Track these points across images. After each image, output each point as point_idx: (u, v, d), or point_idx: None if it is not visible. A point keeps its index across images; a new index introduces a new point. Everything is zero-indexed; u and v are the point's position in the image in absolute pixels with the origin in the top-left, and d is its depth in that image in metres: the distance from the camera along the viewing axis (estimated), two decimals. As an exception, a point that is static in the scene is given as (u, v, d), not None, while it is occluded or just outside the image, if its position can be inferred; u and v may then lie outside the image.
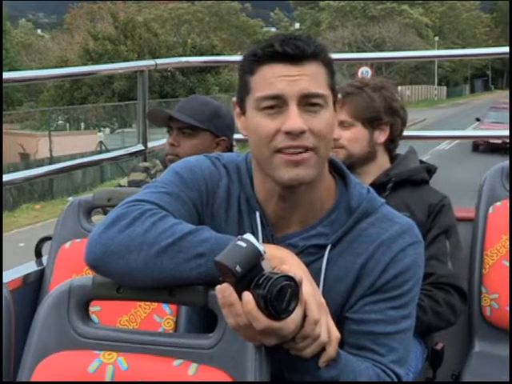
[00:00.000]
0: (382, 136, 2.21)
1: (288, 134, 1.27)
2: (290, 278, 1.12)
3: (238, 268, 1.10)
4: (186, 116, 2.42)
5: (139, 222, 1.25)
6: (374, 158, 2.22)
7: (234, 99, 1.39)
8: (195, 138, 2.43)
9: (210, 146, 2.40)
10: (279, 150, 1.28)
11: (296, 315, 1.14)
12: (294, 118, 1.26)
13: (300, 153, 1.28)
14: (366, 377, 1.26)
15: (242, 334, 1.16)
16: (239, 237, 1.14)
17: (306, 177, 1.29)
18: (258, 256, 1.12)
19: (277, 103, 1.28)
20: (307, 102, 1.28)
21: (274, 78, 1.28)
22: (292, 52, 1.27)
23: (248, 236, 1.13)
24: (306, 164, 1.28)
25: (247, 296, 1.11)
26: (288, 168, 1.29)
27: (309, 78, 1.28)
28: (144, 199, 1.32)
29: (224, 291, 1.12)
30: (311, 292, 1.18)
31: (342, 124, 2.18)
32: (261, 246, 1.13)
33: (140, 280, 1.23)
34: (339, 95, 1.37)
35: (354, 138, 2.19)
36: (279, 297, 1.10)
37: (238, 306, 1.12)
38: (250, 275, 1.11)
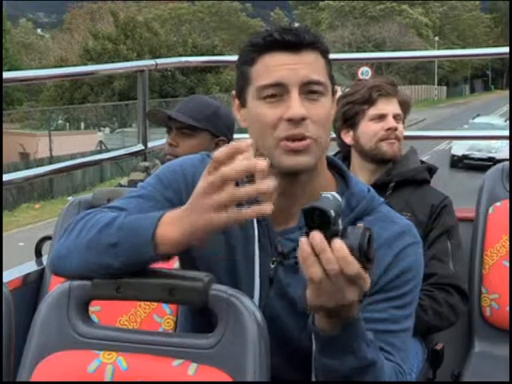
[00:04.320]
0: None
1: (290, 121, 1.28)
2: (367, 227, 1.12)
3: (332, 212, 1.09)
4: (184, 116, 2.42)
5: (78, 224, 1.31)
6: None
7: (233, 92, 1.40)
8: (194, 138, 2.43)
9: (209, 147, 2.40)
10: (282, 139, 1.30)
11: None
12: (296, 105, 1.28)
13: (300, 140, 1.29)
14: (388, 369, 1.25)
15: (327, 286, 1.11)
16: (322, 192, 1.14)
17: (305, 164, 1.31)
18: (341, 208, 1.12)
19: (278, 91, 1.29)
20: (308, 90, 1.29)
21: (275, 67, 1.29)
22: (291, 40, 1.29)
23: (331, 192, 1.14)
24: (306, 151, 1.30)
25: (337, 242, 1.09)
26: (289, 156, 1.30)
27: (309, 65, 1.30)
28: (109, 206, 1.38)
29: (314, 238, 1.09)
30: None
31: (395, 117, 2.20)
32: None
33: (87, 274, 1.27)
34: (336, 86, 1.38)
35: (403, 132, 2.23)
36: (369, 245, 1.10)
37: (329, 251, 1.09)
38: (335, 225, 1.10)
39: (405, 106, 2.23)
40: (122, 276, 1.25)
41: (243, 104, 1.36)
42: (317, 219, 1.10)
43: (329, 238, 1.10)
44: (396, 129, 2.18)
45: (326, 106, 1.32)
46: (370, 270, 1.11)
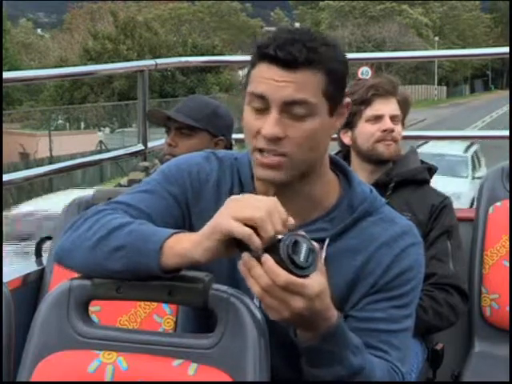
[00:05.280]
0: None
1: (264, 137, 1.28)
2: (303, 236, 1.14)
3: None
4: (183, 116, 2.41)
5: (88, 221, 1.31)
6: None
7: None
8: (193, 138, 2.42)
9: (208, 146, 2.39)
10: (256, 149, 1.30)
11: (319, 276, 1.15)
12: (271, 125, 1.26)
13: (274, 155, 1.28)
14: (379, 370, 1.26)
15: (269, 300, 1.14)
16: None
17: (276, 179, 1.31)
18: None
19: (262, 104, 1.28)
20: (290, 110, 1.27)
21: (264, 79, 1.28)
22: (283, 58, 1.26)
23: None
24: (277, 168, 1.29)
25: (264, 256, 1.13)
26: (261, 168, 1.31)
27: (296, 85, 1.26)
28: (116, 201, 1.37)
29: (244, 259, 1.14)
30: None
31: (393, 118, 2.18)
32: None
33: (88, 273, 1.28)
34: (347, 100, 1.35)
35: (401, 134, 2.21)
36: (295, 250, 1.12)
37: (257, 267, 1.13)
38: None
39: (404, 105, 2.22)
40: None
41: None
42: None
43: (260, 255, 1.14)
44: (392, 130, 2.17)
45: (312, 126, 1.28)
46: (306, 276, 1.13)
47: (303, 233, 1.16)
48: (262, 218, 1.13)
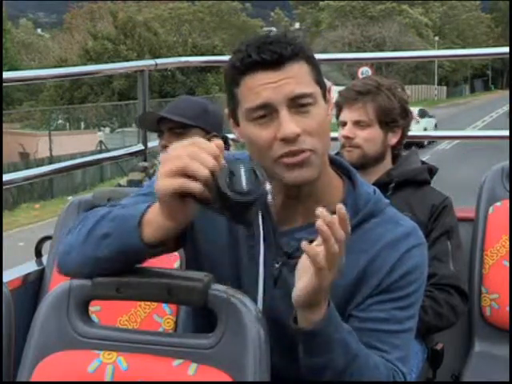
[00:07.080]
0: (394, 138, 2.22)
1: (284, 140, 1.27)
2: (240, 161, 1.16)
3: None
4: (175, 115, 2.42)
5: (82, 222, 1.34)
6: (382, 159, 2.22)
7: (226, 111, 1.39)
8: (187, 136, 2.41)
9: None
10: (280, 157, 1.29)
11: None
12: (287, 124, 1.26)
13: (298, 154, 1.28)
14: (374, 360, 1.27)
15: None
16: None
17: (309, 177, 1.30)
18: None
19: (267, 111, 1.28)
20: (297, 104, 1.28)
21: (259, 87, 1.27)
22: (270, 58, 1.26)
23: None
24: (307, 164, 1.29)
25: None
26: (291, 171, 1.29)
27: (293, 79, 1.27)
28: (113, 204, 1.39)
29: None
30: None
31: (358, 123, 2.17)
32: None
33: (82, 269, 1.28)
34: (329, 84, 1.37)
35: (370, 138, 2.18)
36: (234, 179, 1.13)
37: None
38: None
39: (383, 112, 2.17)
40: (119, 273, 1.25)
41: (237, 123, 1.36)
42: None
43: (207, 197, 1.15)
44: (349, 137, 2.18)
45: (319, 114, 1.30)
46: (258, 198, 1.14)
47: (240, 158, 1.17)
48: (187, 164, 1.13)
